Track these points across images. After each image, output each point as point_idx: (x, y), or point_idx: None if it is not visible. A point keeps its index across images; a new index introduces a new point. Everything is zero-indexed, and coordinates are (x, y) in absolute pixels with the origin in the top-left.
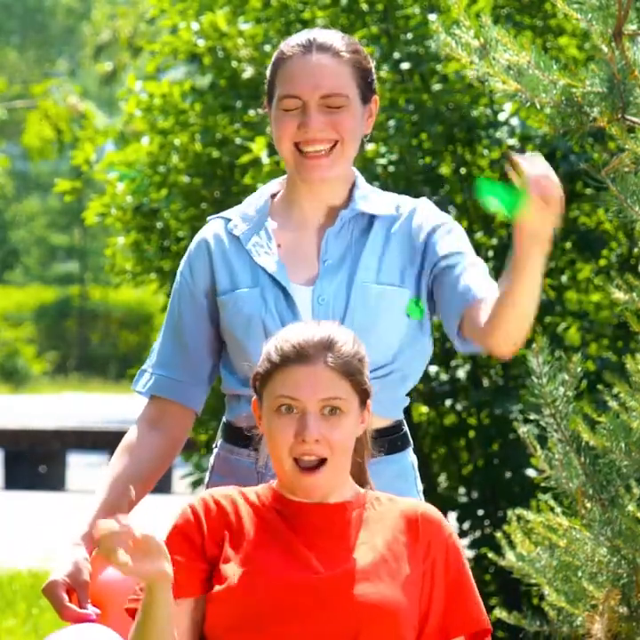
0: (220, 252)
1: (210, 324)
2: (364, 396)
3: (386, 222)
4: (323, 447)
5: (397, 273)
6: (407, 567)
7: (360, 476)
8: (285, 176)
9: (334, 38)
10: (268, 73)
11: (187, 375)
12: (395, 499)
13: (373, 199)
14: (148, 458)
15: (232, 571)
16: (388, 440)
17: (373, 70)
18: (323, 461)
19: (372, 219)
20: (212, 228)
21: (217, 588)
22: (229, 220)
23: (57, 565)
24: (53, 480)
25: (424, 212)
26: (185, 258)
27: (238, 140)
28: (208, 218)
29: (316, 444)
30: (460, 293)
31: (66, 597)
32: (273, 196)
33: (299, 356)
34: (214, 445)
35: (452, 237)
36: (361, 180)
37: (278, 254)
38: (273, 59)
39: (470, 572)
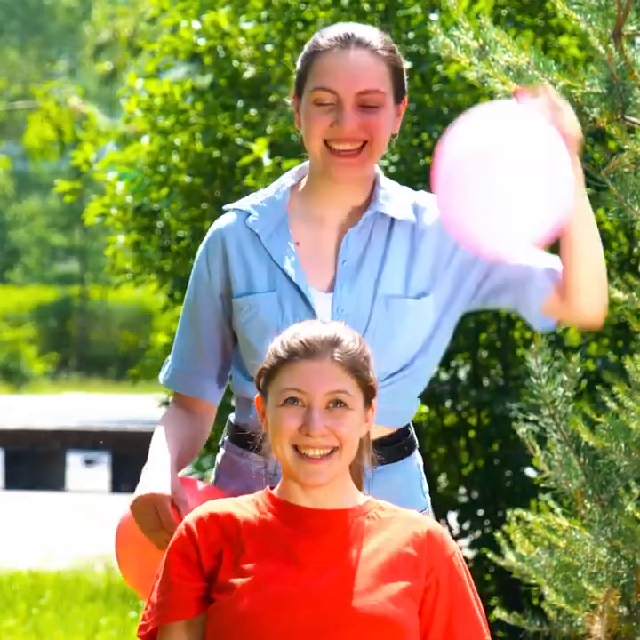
0: (237, 250)
1: (225, 322)
2: (369, 393)
3: (407, 228)
4: (330, 439)
5: (425, 281)
6: (407, 581)
7: (357, 481)
8: (299, 167)
9: (372, 35)
10: (298, 64)
11: (202, 369)
12: (399, 510)
13: (395, 199)
14: (192, 428)
15: (231, 583)
16: (395, 448)
17: (405, 72)
18: (333, 451)
19: (392, 221)
20: (229, 221)
21: (216, 600)
22: (248, 213)
23: (151, 484)
24: (53, 480)
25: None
26: (201, 250)
27: (239, 140)
28: (225, 207)
29: (323, 438)
30: (539, 275)
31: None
32: (291, 187)
33: (306, 352)
34: (220, 444)
35: None
36: (383, 177)
37: (297, 254)
38: (305, 50)
39: (474, 592)
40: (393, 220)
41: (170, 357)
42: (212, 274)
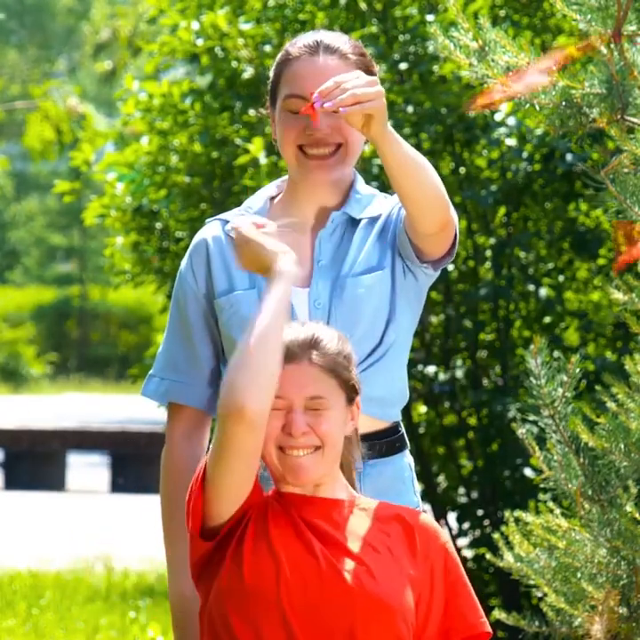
0: (219, 254)
1: (214, 325)
2: (351, 392)
3: (371, 221)
4: (312, 438)
5: (375, 259)
6: (405, 567)
7: (349, 479)
8: (282, 179)
9: (340, 41)
10: (271, 73)
11: (200, 378)
12: (390, 505)
13: (367, 203)
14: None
15: (245, 546)
16: (386, 442)
17: (378, 74)
18: (316, 449)
19: (359, 221)
20: (211, 230)
21: (227, 566)
22: (227, 221)
23: None
24: (53, 480)
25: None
26: (186, 259)
27: (238, 141)
28: (206, 220)
29: (304, 437)
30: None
31: None
32: (272, 198)
33: (285, 356)
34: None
35: None
36: (360, 182)
37: None
38: (277, 59)
39: (467, 578)
40: (361, 220)
41: (156, 371)
42: (198, 279)
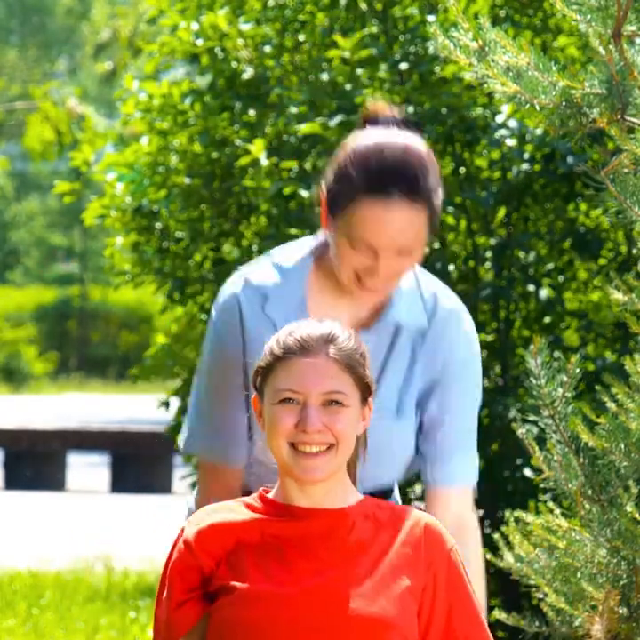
0: (256, 331)
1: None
2: (365, 391)
3: (412, 333)
4: (327, 436)
5: (415, 401)
6: (406, 579)
7: (352, 478)
8: (317, 244)
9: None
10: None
11: (235, 437)
12: (396, 508)
13: (411, 300)
14: None
15: (230, 586)
16: None
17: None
18: (329, 447)
19: (399, 326)
20: (248, 297)
21: (216, 603)
22: (266, 297)
23: None
24: (53, 480)
25: (453, 339)
26: (219, 317)
27: (238, 141)
28: (241, 274)
29: (319, 434)
30: (431, 465)
31: None
32: (313, 253)
33: (301, 349)
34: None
35: (458, 388)
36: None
37: None
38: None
39: (472, 587)
40: (403, 328)
41: (194, 424)
42: (233, 344)
